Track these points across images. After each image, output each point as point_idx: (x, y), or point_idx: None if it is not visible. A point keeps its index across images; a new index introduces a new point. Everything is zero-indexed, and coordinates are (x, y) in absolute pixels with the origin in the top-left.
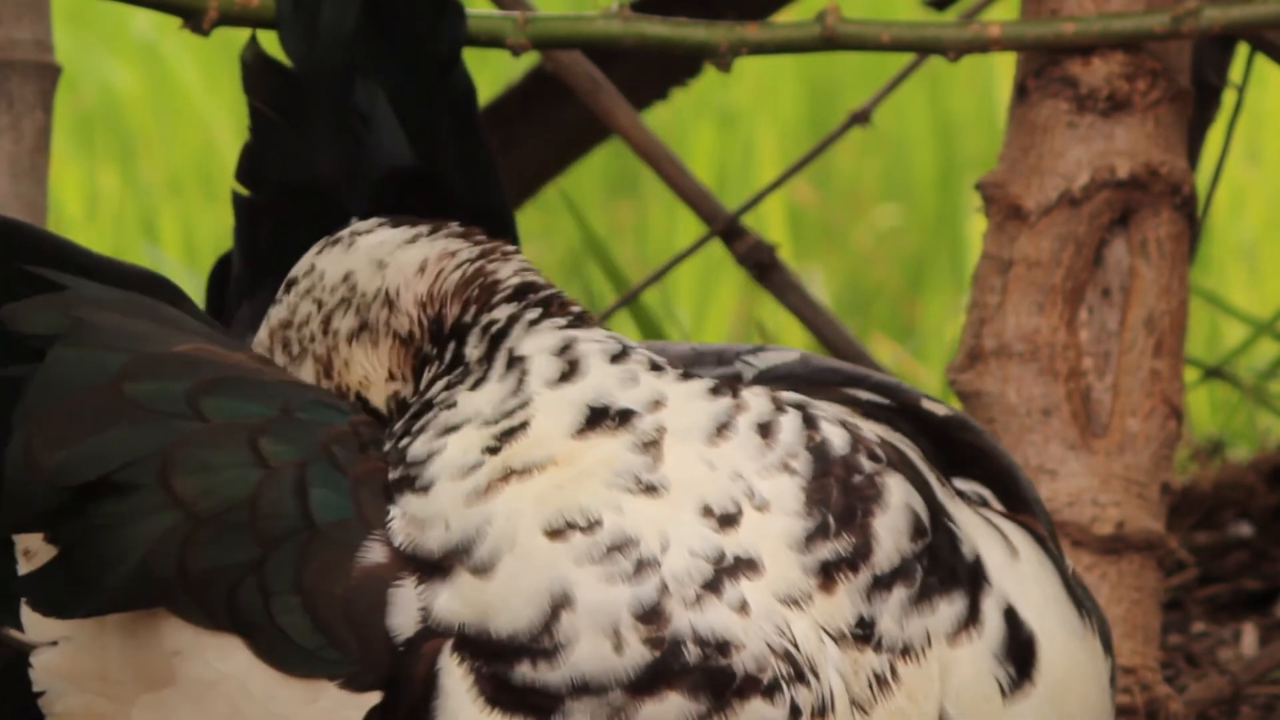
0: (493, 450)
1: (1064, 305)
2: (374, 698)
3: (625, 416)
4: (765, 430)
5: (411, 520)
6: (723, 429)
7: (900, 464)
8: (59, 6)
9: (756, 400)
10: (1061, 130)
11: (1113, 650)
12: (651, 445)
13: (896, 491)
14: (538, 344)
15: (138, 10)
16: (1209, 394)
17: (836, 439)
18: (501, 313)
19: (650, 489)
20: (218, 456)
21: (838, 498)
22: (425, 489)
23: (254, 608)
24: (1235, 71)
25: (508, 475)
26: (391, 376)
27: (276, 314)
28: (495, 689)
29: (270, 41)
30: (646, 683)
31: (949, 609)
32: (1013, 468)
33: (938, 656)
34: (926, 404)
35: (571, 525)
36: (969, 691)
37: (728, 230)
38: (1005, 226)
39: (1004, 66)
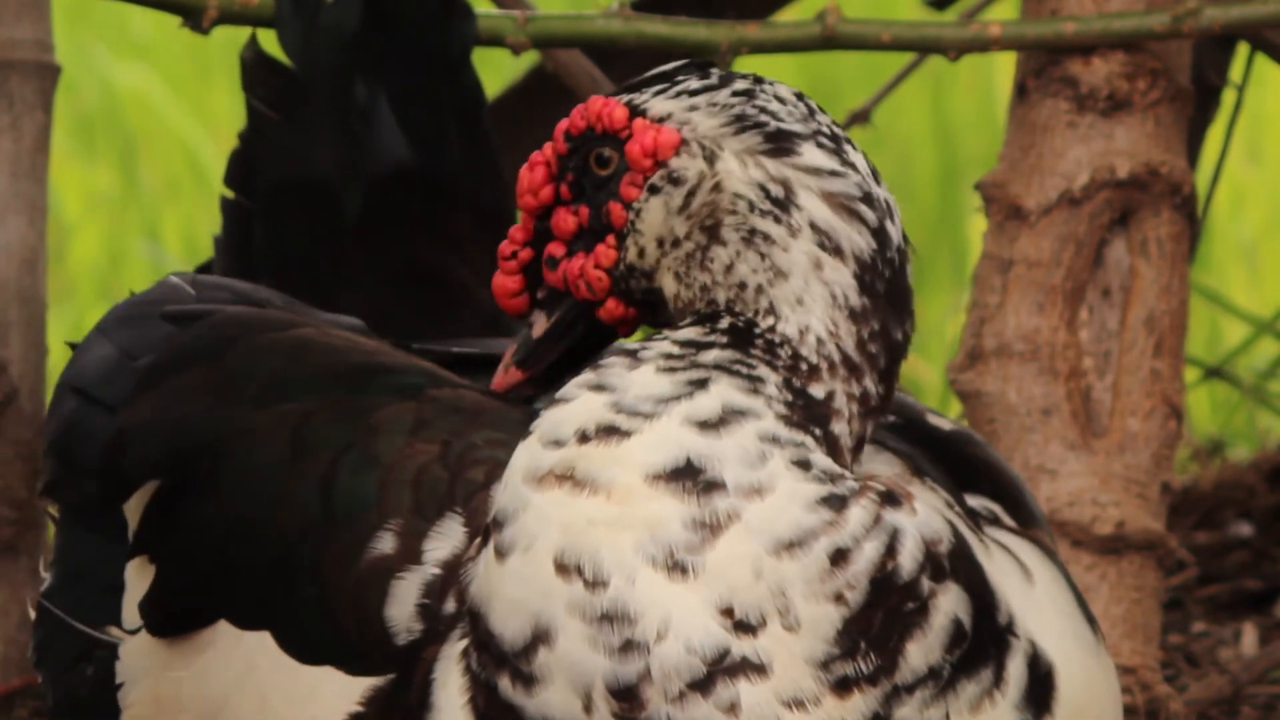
0: (583, 437)
1: (1064, 305)
2: (367, 683)
3: (709, 488)
4: (840, 556)
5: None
6: (795, 547)
7: (961, 565)
8: (59, 6)
9: (857, 519)
10: (1061, 130)
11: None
12: (710, 528)
13: (945, 609)
14: (730, 395)
15: (136, 11)
16: (1209, 394)
17: (909, 564)
18: (768, 375)
19: (679, 569)
20: (260, 455)
21: (879, 628)
22: (528, 436)
23: (277, 598)
24: (1235, 71)
25: (564, 478)
26: (686, 287)
27: (726, 205)
28: (487, 702)
29: (269, 41)
30: None
31: (975, 687)
32: (1016, 480)
33: None
34: (931, 419)
35: (579, 571)
36: None
37: None
38: (1005, 226)
39: (1004, 66)
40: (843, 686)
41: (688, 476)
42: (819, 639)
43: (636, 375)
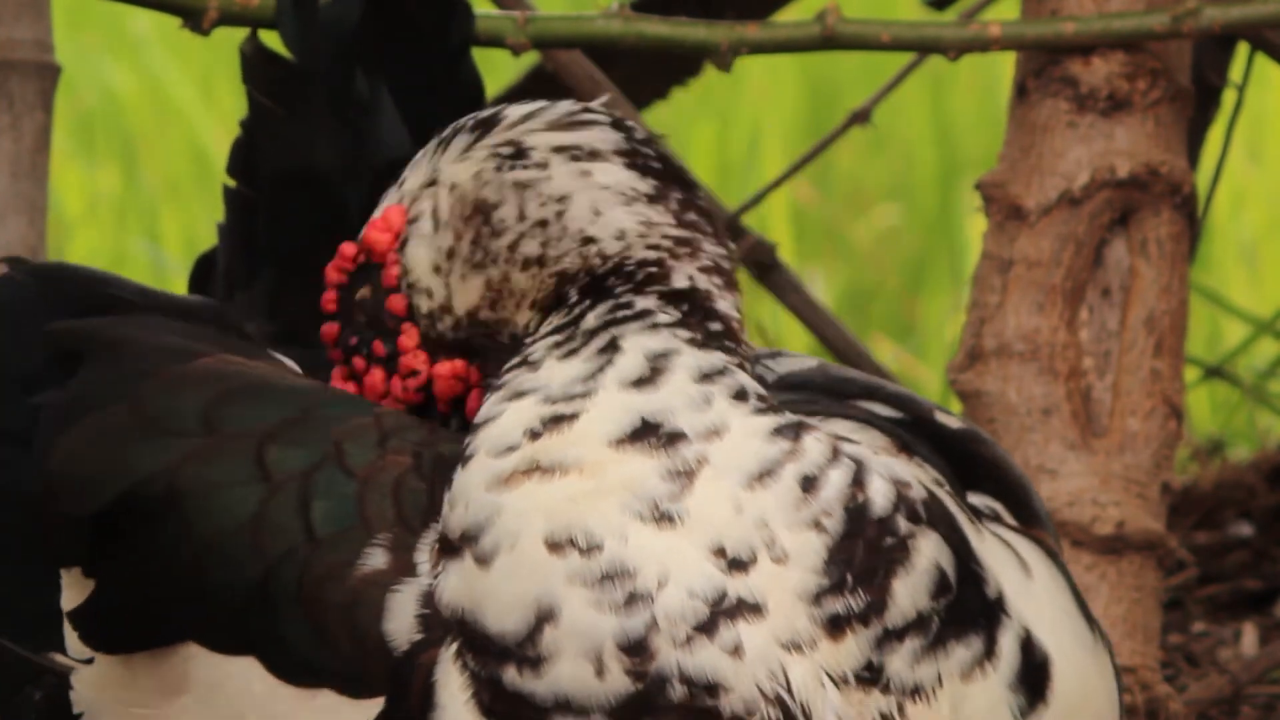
0: (534, 435)
1: (1064, 305)
2: (375, 705)
3: (673, 439)
4: (809, 484)
5: (450, 494)
6: (765, 475)
7: (939, 519)
8: (59, 6)
9: (814, 448)
10: (1061, 130)
11: (1117, 667)
12: (685, 475)
13: (926, 553)
14: (642, 342)
15: (135, 11)
16: (1209, 394)
17: (880, 499)
18: (646, 302)
19: (665, 519)
20: (221, 474)
21: (862, 558)
22: (467, 460)
23: (260, 623)
24: (1235, 71)
25: (532, 470)
26: (533, 305)
27: (475, 189)
28: (492, 699)
29: (271, 40)
30: (629, 713)
31: (965, 651)
32: (1024, 480)
33: (950, 694)
34: (940, 416)
35: (572, 543)
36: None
37: (728, 230)
38: (1005, 226)
39: (1004, 66)
40: (835, 626)
41: (649, 434)
42: (806, 570)
43: (545, 371)
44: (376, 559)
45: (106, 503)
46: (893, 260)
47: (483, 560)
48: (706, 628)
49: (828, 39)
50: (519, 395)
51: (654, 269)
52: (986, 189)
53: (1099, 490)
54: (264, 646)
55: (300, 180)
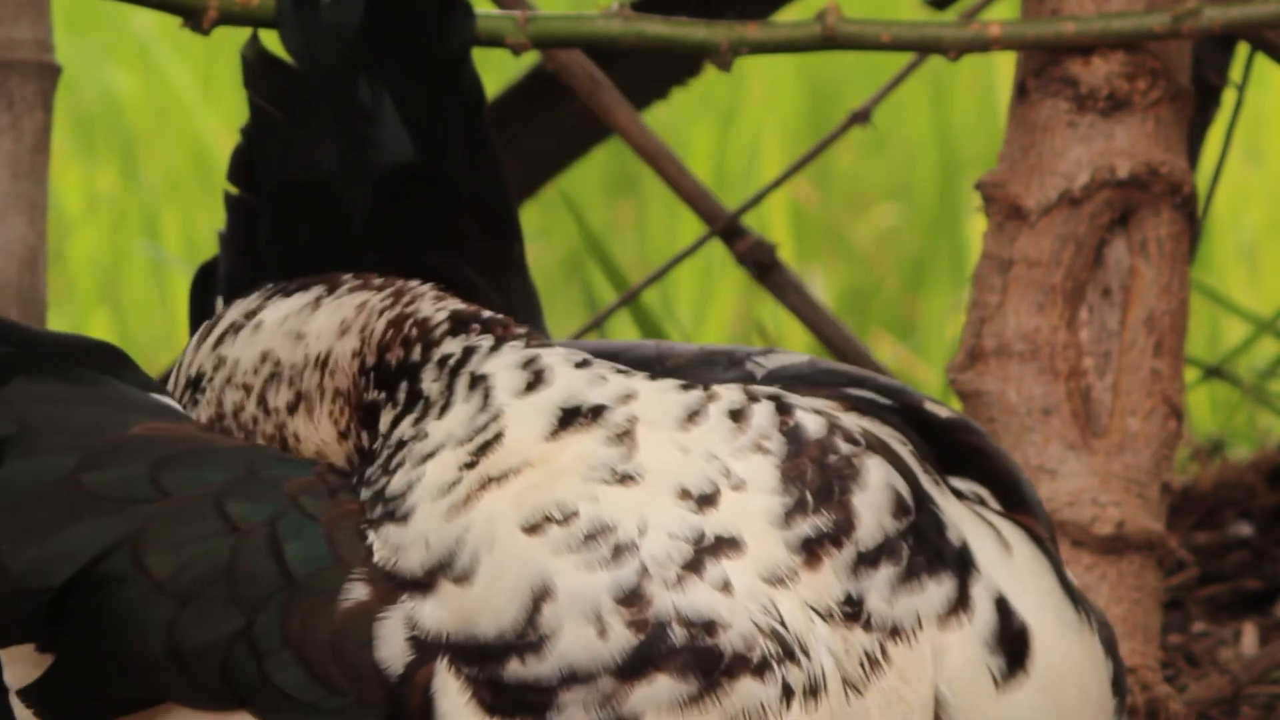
0: (470, 465)
1: (1064, 305)
2: None
3: (597, 412)
4: (737, 416)
5: (390, 546)
6: (694, 415)
7: (880, 449)
8: (59, 6)
9: (728, 391)
10: (1061, 130)
11: (1117, 654)
12: (625, 435)
13: (875, 471)
14: (500, 362)
15: (137, 11)
16: (1209, 394)
17: (811, 424)
18: (454, 345)
19: (626, 478)
20: (187, 530)
21: (814, 476)
22: (405, 517)
23: (249, 674)
24: (1235, 71)
25: (485, 484)
26: (343, 436)
27: (202, 415)
28: (493, 695)
29: (271, 41)
30: (634, 667)
31: (938, 590)
32: (1014, 470)
33: (929, 639)
34: (929, 406)
35: (549, 519)
36: (962, 678)
37: (728, 230)
38: (1005, 226)
39: (1004, 66)
40: (810, 552)
41: (575, 417)
42: (766, 492)
43: (435, 431)
44: (358, 591)
45: (67, 578)
46: (893, 260)
47: (463, 579)
48: (694, 565)
49: (828, 39)
50: (429, 456)
51: (413, 325)
52: (986, 189)
53: (1099, 490)
54: (255, 697)
55: (302, 186)
